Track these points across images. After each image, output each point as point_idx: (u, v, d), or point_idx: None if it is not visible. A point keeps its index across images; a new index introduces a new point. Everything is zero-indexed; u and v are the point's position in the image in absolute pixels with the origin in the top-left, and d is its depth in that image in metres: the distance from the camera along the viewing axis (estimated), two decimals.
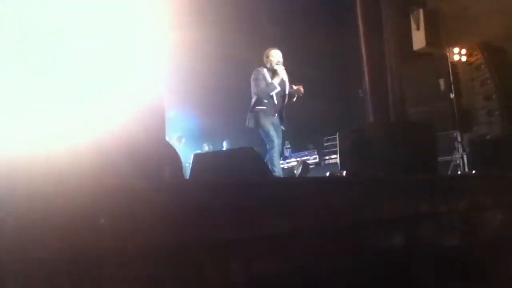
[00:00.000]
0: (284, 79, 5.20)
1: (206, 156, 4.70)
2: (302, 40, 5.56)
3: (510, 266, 2.74)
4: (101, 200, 1.34)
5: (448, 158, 5.74)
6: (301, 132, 8.70)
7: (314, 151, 8.73)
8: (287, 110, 5.35)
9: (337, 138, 5.41)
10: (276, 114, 5.22)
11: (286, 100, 5.29)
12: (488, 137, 5.64)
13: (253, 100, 5.19)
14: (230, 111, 9.46)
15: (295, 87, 5.27)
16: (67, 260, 1.30)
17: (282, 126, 5.30)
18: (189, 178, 3.01)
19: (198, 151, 8.38)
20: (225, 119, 9.64)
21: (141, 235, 1.40)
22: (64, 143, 1.50)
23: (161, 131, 2.02)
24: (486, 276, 2.59)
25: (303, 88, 5.29)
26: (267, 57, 5.21)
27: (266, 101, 5.12)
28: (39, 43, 1.58)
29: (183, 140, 8.94)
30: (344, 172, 4.36)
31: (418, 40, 7.41)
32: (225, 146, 9.13)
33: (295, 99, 5.36)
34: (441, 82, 6.12)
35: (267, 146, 5.10)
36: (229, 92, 9.45)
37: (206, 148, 9.38)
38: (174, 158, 2.62)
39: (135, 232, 1.39)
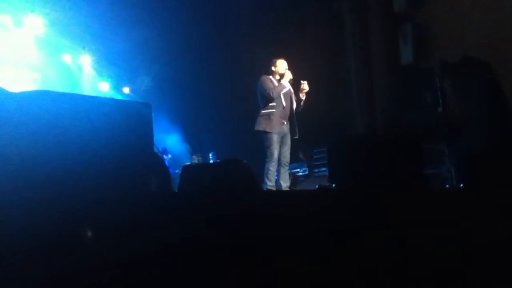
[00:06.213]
0: (292, 80, 5.19)
1: (195, 168, 4.66)
2: (290, 52, 5.59)
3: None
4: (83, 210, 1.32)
5: (435, 171, 5.75)
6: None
7: (303, 164, 8.71)
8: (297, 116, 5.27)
9: (326, 146, 5.38)
10: (285, 122, 5.17)
11: (295, 105, 5.25)
12: (475, 149, 5.67)
13: (261, 103, 5.18)
14: (218, 122, 9.48)
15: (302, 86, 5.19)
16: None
17: (295, 135, 5.22)
18: (177, 190, 2.99)
19: (188, 163, 8.36)
20: (212, 131, 9.67)
21: (122, 245, 1.38)
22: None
23: (149, 141, 2.01)
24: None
25: (308, 85, 5.24)
26: (274, 65, 5.28)
27: (274, 103, 5.11)
28: None
29: (169, 155, 9.01)
30: (333, 185, 4.33)
31: (406, 53, 7.51)
32: (211, 158, 9.12)
33: (302, 103, 5.30)
34: (428, 94, 6.19)
35: (266, 157, 5.03)
36: (218, 102, 9.47)
37: (195, 160, 9.34)
38: (161, 169, 2.59)
39: (115, 241, 1.37)
